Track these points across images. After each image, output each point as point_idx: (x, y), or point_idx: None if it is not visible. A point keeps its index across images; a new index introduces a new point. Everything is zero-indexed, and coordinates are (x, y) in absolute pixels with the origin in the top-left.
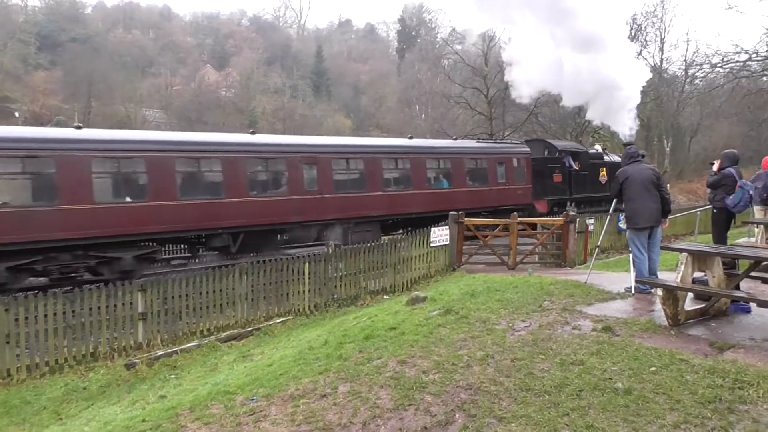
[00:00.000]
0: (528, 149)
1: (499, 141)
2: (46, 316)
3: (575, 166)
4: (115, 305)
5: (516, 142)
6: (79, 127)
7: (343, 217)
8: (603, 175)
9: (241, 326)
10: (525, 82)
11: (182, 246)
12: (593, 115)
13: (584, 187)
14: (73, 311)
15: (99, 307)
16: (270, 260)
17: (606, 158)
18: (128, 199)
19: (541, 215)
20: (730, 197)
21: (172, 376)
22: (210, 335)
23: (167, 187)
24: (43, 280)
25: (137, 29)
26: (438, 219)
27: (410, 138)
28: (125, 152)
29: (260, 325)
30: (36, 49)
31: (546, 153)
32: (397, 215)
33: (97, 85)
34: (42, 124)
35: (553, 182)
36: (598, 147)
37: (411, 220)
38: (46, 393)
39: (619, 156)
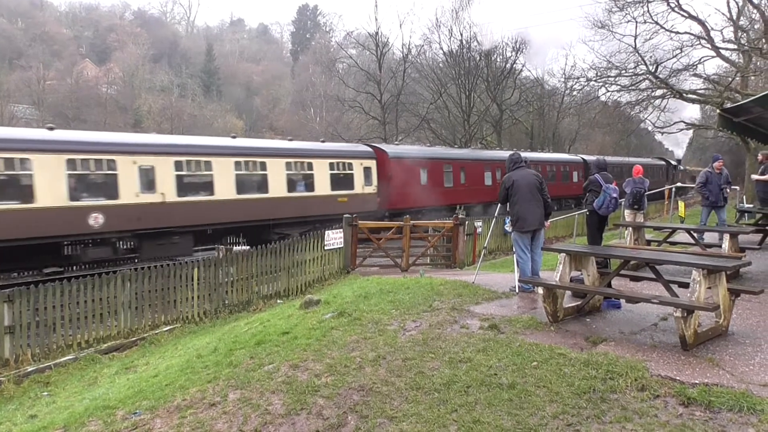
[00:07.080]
0: None
1: None
2: None
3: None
4: None
5: None
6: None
7: None
8: None
9: (123, 336)
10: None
11: None
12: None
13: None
14: None
15: None
16: (155, 266)
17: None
18: None
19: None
20: (596, 200)
21: (45, 393)
22: (89, 347)
23: None
24: None
25: (3, 17)
26: None
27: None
28: None
29: (145, 335)
30: None
31: (670, 165)
32: None
33: None
34: None
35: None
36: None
37: None
38: None
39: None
